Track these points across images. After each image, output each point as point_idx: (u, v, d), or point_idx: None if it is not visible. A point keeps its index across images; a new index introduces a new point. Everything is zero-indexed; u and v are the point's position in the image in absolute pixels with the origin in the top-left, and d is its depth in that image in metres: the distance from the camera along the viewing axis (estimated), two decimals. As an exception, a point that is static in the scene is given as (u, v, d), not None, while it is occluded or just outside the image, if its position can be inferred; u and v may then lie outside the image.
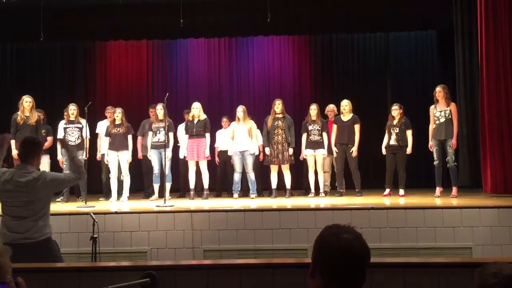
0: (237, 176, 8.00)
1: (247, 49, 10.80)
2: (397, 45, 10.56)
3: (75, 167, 3.89)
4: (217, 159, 8.45)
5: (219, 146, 8.46)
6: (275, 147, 7.83)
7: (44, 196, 3.70)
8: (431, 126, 7.32)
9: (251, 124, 8.09)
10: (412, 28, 9.94)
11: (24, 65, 10.58)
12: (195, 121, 7.92)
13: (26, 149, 3.78)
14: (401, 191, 7.60)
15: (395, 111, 7.66)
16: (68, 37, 9.79)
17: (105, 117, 8.60)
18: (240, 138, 7.97)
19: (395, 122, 7.64)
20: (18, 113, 7.33)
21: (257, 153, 8.29)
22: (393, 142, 7.62)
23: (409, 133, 7.60)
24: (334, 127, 7.99)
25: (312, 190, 7.91)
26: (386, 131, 7.73)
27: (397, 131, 7.59)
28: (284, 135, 7.82)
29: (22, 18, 9.04)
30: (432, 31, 10.20)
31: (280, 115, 7.92)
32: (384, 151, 7.73)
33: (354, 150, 7.78)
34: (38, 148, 3.84)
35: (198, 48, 10.80)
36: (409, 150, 7.56)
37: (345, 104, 7.99)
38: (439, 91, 7.25)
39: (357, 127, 7.86)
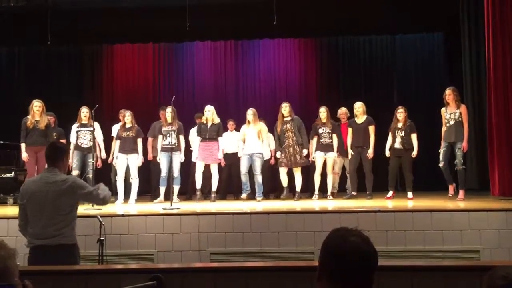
0: (244, 178, 8.01)
1: (253, 52, 10.82)
2: (403, 47, 10.53)
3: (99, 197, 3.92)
4: (223, 161, 8.45)
5: (225, 149, 8.48)
6: (287, 150, 7.80)
7: (70, 200, 3.74)
8: (443, 129, 7.29)
9: (261, 126, 8.09)
10: (419, 30, 9.93)
11: (32, 69, 10.64)
12: (209, 125, 7.93)
13: (54, 152, 3.89)
14: (409, 194, 7.54)
15: (401, 114, 7.60)
16: (75, 40, 9.87)
17: (119, 120, 8.62)
18: (250, 140, 7.98)
19: (400, 125, 7.59)
20: (28, 117, 7.37)
21: (267, 157, 8.29)
22: (398, 145, 7.57)
23: (414, 136, 7.54)
24: (350, 130, 7.96)
25: (316, 192, 7.90)
26: (390, 133, 7.69)
27: (402, 134, 7.54)
28: (294, 137, 7.79)
29: (29, 22, 9.12)
30: (439, 33, 10.18)
31: (288, 118, 7.90)
32: (387, 153, 7.68)
33: (370, 152, 7.73)
34: (64, 153, 3.97)
35: (204, 51, 10.84)
36: (414, 153, 7.49)
37: (358, 106, 7.95)
38: (448, 94, 7.19)
39: (371, 129, 7.81)
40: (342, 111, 8.52)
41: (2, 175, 8.32)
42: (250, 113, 8.06)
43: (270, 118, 8.63)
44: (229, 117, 9.00)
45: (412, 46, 10.49)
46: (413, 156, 7.51)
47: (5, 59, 10.91)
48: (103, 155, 8.24)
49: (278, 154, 7.93)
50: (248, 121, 8.05)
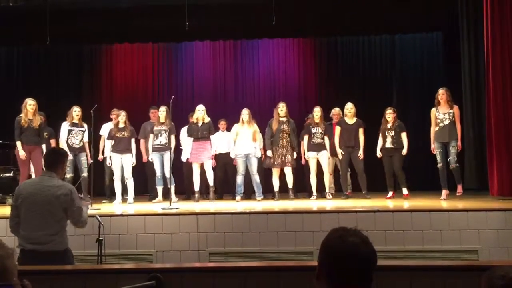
0: (239, 179, 8.01)
1: (252, 52, 10.81)
2: (402, 47, 10.54)
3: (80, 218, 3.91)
4: (213, 161, 8.28)
5: (217, 149, 8.39)
6: (280, 151, 7.83)
7: (63, 206, 3.74)
8: (433, 129, 7.32)
9: (256, 127, 8.11)
10: (418, 30, 9.93)
11: (31, 68, 10.64)
12: (200, 124, 7.92)
13: (52, 157, 3.90)
14: (405, 191, 7.64)
15: (389, 115, 7.78)
16: (74, 40, 9.85)
17: (111, 119, 8.63)
18: (244, 140, 7.98)
19: (389, 125, 7.77)
20: (21, 115, 7.33)
21: (259, 155, 8.30)
22: (388, 145, 7.73)
23: (403, 135, 7.71)
24: (338, 129, 7.99)
25: (314, 192, 7.91)
26: (381, 134, 7.83)
27: (392, 134, 7.72)
28: (289, 139, 7.85)
29: (28, 22, 9.10)
30: (438, 33, 10.18)
31: (284, 119, 7.93)
32: (379, 154, 7.81)
33: (361, 153, 7.83)
34: (63, 158, 3.96)
35: (204, 50, 10.83)
36: (405, 151, 7.65)
37: (350, 107, 8.01)
38: (442, 93, 7.28)
39: (361, 131, 7.93)
40: (336, 111, 8.56)
41: (1, 175, 8.31)
42: (246, 113, 8.08)
43: (268, 118, 8.60)
44: (229, 117, 8.99)
45: (411, 46, 10.49)
46: (404, 154, 7.65)
47: (4, 59, 10.89)
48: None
49: (269, 153, 7.93)
50: (243, 121, 8.06)
